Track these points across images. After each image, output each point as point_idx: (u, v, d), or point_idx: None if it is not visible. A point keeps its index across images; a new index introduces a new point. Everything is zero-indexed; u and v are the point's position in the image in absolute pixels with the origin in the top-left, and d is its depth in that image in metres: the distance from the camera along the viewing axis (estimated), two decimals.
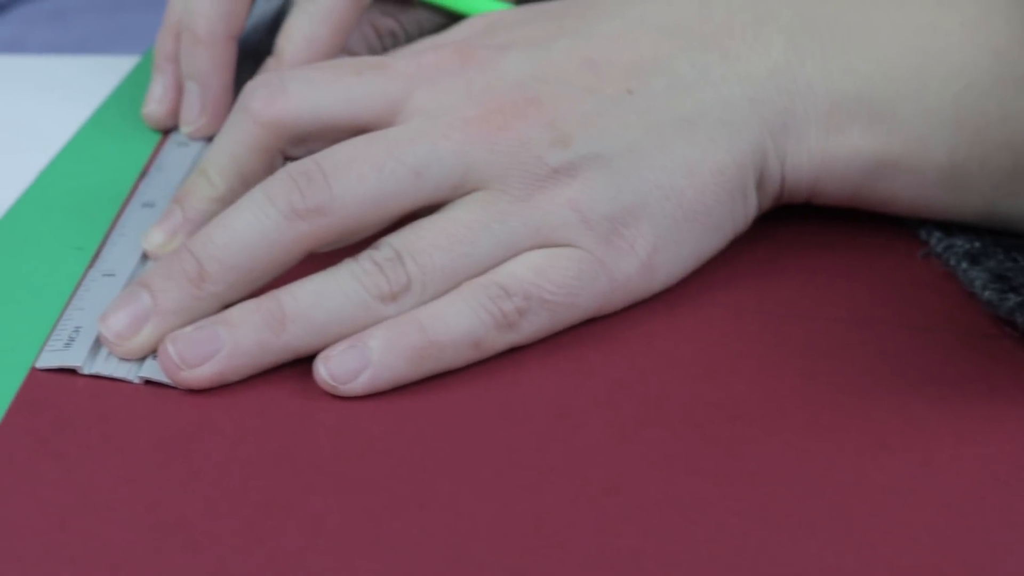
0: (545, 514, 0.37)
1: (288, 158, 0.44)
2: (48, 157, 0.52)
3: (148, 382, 0.41)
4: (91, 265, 0.46)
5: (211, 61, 0.51)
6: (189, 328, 0.41)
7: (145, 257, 0.45)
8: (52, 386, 0.41)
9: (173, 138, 0.52)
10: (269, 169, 0.44)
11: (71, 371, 0.41)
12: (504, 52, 0.44)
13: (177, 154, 0.50)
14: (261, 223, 0.41)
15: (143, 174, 0.50)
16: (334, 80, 0.44)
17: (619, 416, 0.40)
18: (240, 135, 0.44)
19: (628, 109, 0.43)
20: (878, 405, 0.41)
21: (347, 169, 0.41)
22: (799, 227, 0.49)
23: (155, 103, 0.53)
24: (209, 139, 0.52)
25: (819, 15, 0.45)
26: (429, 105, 0.43)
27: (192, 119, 0.52)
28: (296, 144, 0.44)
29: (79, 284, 0.45)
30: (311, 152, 0.44)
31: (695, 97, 0.44)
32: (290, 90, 0.43)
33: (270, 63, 0.50)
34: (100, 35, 0.73)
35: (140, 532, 0.36)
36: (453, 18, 0.54)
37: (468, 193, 0.42)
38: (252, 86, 0.44)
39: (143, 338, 0.41)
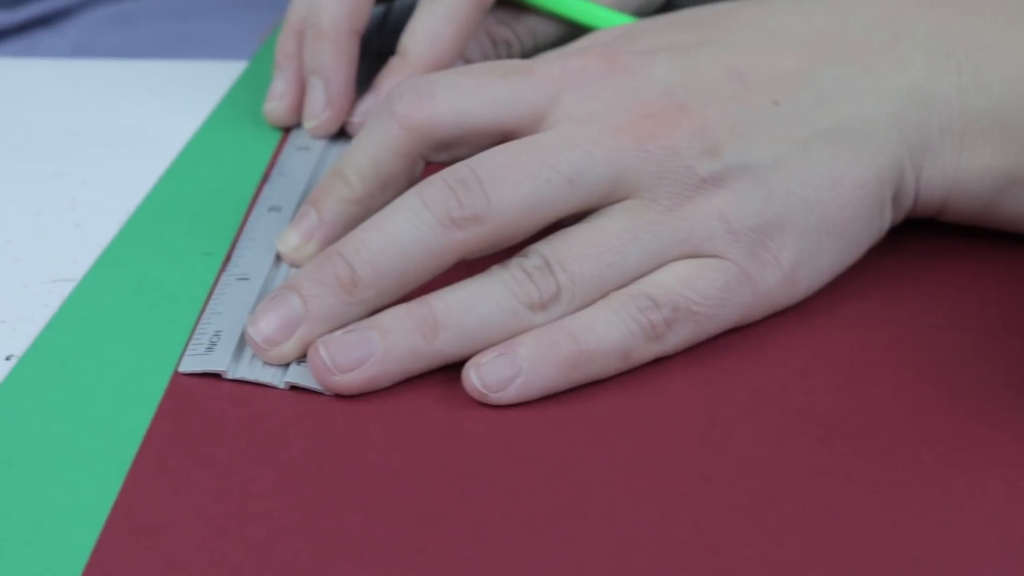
0: (704, 523, 0.37)
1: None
2: (163, 161, 0.52)
3: (293, 387, 0.41)
4: (223, 269, 0.45)
5: (335, 56, 0.51)
6: (340, 332, 0.41)
7: (278, 260, 0.45)
8: (196, 391, 0.41)
9: (292, 142, 0.51)
10: (409, 174, 0.44)
11: (214, 375, 0.41)
12: (650, 58, 0.44)
13: (298, 158, 0.50)
14: (417, 229, 0.41)
15: (264, 178, 0.50)
16: (480, 85, 0.43)
17: (766, 425, 0.40)
18: (383, 138, 0.44)
19: (775, 121, 0.43)
20: None
21: (503, 177, 0.41)
22: (923, 238, 0.48)
23: (276, 100, 0.53)
24: (332, 137, 0.52)
25: (954, 33, 0.45)
26: (577, 111, 0.43)
27: (316, 113, 0.52)
28: (439, 149, 0.44)
29: (213, 288, 0.45)
30: (452, 157, 0.44)
31: (838, 111, 0.44)
32: (437, 95, 0.43)
33: (394, 62, 0.50)
34: (166, 40, 0.73)
35: (302, 541, 0.36)
36: (568, 28, 0.54)
37: (616, 201, 0.42)
38: (398, 90, 0.44)
39: (293, 343, 0.41)
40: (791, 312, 0.44)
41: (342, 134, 0.52)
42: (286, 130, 0.53)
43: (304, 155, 0.50)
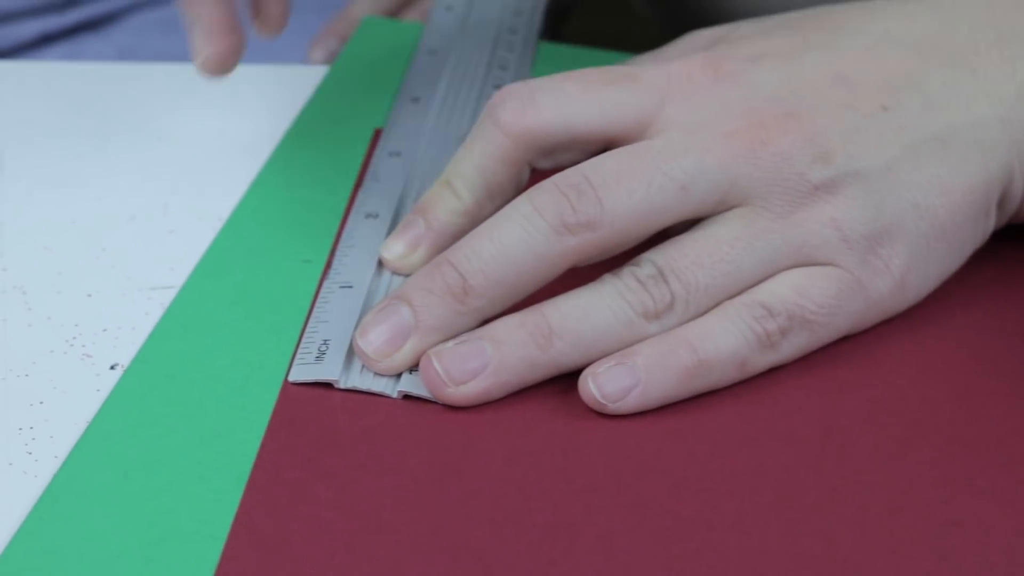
0: (834, 534, 0.37)
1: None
2: (251, 167, 0.51)
3: (407, 397, 0.41)
4: (324, 277, 0.45)
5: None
6: (451, 343, 0.40)
7: (380, 268, 0.45)
8: (308, 401, 0.41)
9: (383, 146, 0.51)
10: (516, 182, 0.44)
11: (324, 385, 0.41)
12: (755, 64, 0.44)
13: (390, 164, 0.50)
14: (531, 237, 0.40)
15: (357, 184, 0.50)
16: (585, 91, 0.43)
17: (885, 435, 0.40)
18: (488, 147, 0.43)
19: (884, 126, 0.43)
20: None
21: (616, 183, 0.41)
22: (1020, 244, 0.48)
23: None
24: (424, 142, 0.51)
25: None
26: (684, 118, 0.42)
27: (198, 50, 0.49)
28: (544, 156, 0.43)
29: (316, 296, 0.44)
30: (556, 164, 0.44)
31: (948, 116, 0.43)
32: (541, 101, 0.43)
33: None
34: None
35: (429, 555, 0.36)
36: None
37: (727, 209, 0.42)
38: (500, 97, 0.43)
39: (404, 354, 0.41)
40: (899, 320, 0.44)
41: (434, 139, 0.51)
42: (375, 134, 0.52)
43: (397, 161, 0.50)
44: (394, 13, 0.70)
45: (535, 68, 0.57)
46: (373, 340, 0.41)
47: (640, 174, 0.41)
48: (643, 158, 0.41)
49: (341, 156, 0.52)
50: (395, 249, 0.44)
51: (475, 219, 0.43)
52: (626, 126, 0.43)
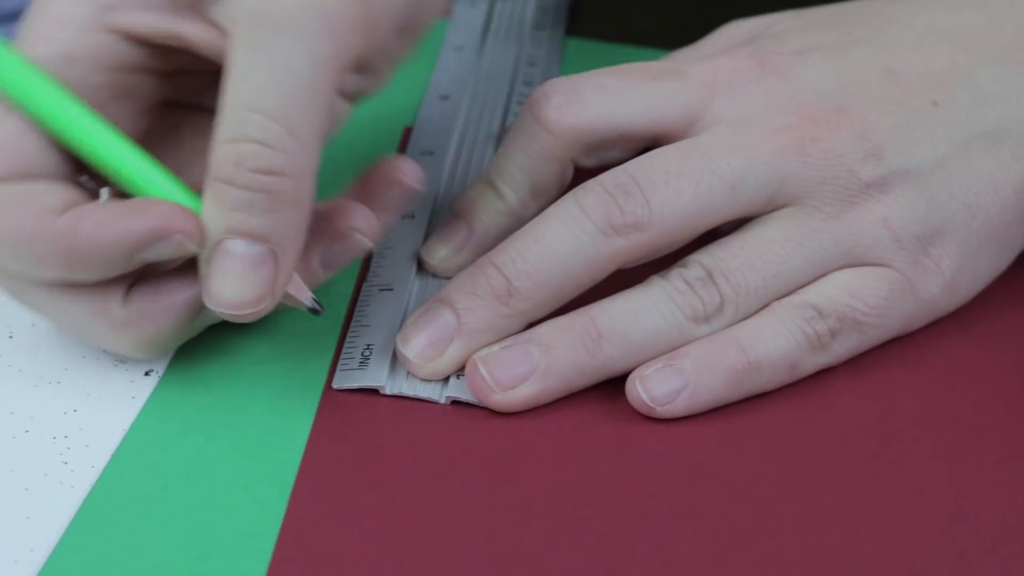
0: (896, 541, 0.36)
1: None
2: None
3: (454, 402, 0.40)
4: (361, 279, 0.44)
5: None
6: (497, 347, 0.40)
7: (420, 270, 0.44)
8: (350, 407, 0.40)
9: (413, 146, 0.50)
10: (560, 181, 0.43)
11: (366, 390, 0.40)
12: (802, 59, 0.43)
13: (422, 163, 0.48)
14: (577, 238, 0.39)
15: None
16: (630, 87, 0.42)
17: (943, 438, 0.39)
18: (531, 144, 0.42)
19: (935, 123, 0.42)
20: None
21: (663, 183, 0.40)
22: None
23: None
24: (460, 140, 0.50)
25: None
26: (731, 114, 0.41)
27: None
28: (589, 153, 0.42)
29: (354, 299, 0.43)
30: (600, 161, 0.43)
31: (998, 112, 0.42)
32: (585, 97, 0.42)
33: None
34: None
35: (482, 565, 0.35)
36: None
37: (776, 208, 0.41)
38: (543, 93, 0.42)
39: (447, 358, 0.40)
40: (949, 321, 0.43)
41: (465, 137, 0.50)
42: (404, 132, 0.51)
43: (430, 160, 0.49)
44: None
45: (564, 64, 0.56)
46: (415, 345, 0.40)
47: (688, 173, 0.40)
48: (691, 156, 0.40)
49: (371, 155, 0.50)
50: (438, 252, 0.43)
51: (519, 219, 0.42)
52: (672, 122, 0.42)
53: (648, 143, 0.42)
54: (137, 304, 0.38)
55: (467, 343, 0.40)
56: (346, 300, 0.43)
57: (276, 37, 0.36)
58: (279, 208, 0.36)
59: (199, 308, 0.39)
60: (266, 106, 0.36)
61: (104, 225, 0.37)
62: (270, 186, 0.36)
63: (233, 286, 0.37)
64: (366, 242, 0.40)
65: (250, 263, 0.37)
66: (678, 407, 0.39)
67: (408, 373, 0.40)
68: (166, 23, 0.39)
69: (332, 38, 0.36)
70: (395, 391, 0.40)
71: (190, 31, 0.38)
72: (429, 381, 0.40)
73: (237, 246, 0.37)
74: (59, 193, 0.38)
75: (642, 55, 0.56)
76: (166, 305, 0.38)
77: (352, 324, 0.42)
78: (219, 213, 0.37)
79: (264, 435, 0.39)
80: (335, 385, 0.40)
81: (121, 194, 0.40)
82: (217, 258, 0.37)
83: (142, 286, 0.38)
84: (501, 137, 0.50)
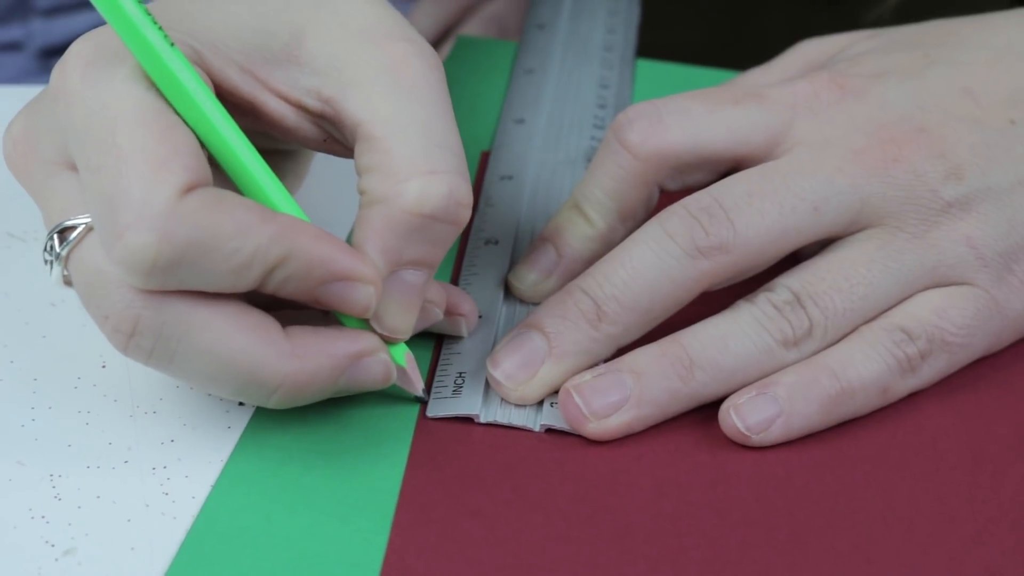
0: (997, 568, 0.36)
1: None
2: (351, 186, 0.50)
3: (548, 430, 0.40)
4: None
5: None
6: (589, 375, 0.40)
7: (507, 295, 0.44)
8: (445, 436, 0.40)
9: (492, 169, 0.50)
10: (647, 204, 0.43)
11: (462, 419, 0.40)
12: (880, 81, 0.43)
13: (502, 188, 0.49)
14: (663, 261, 0.40)
15: (473, 208, 0.49)
16: (713, 111, 0.42)
17: None
18: (617, 169, 0.43)
19: (1014, 140, 0.42)
20: None
21: (747, 205, 0.40)
22: None
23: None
24: (540, 164, 0.50)
25: None
26: (812, 136, 0.42)
27: None
28: (674, 177, 0.43)
29: None
30: (683, 185, 0.43)
31: None
32: (668, 121, 0.42)
33: None
34: None
35: None
36: None
37: (860, 229, 0.41)
38: (626, 118, 0.42)
39: (538, 382, 0.40)
40: None
41: (544, 161, 0.51)
42: (482, 159, 0.52)
43: (509, 184, 0.49)
44: (453, 24, 0.69)
45: (635, 86, 0.56)
46: (506, 367, 0.40)
47: (772, 195, 0.40)
48: (774, 179, 0.41)
49: None
50: (527, 278, 0.44)
51: (607, 244, 0.43)
52: (755, 145, 0.42)
53: (732, 166, 0.43)
54: (300, 339, 0.38)
55: (558, 366, 0.40)
56: None
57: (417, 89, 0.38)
58: (453, 237, 0.38)
59: (350, 364, 0.39)
60: (455, 144, 0.38)
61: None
62: (462, 218, 0.38)
63: (405, 314, 0.39)
64: (464, 330, 0.42)
65: (419, 291, 0.39)
66: (773, 435, 0.39)
67: (502, 401, 0.40)
68: (247, 86, 0.39)
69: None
70: (489, 419, 0.40)
71: (265, 99, 0.39)
72: (523, 409, 0.40)
73: (415, 276, 0.39)
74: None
75: (709, 75, 0.56)
76: (328, 350, 0.38)
77: (443, 352, 0.42)
78: (401, 246, 0.38)
79: (361, 465, 0.39)
80: (429, 414, 0.40)
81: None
82: (398, 290, 0.38)
83: (296, 328, 0.38)
84: (581, 161, 0.50)
